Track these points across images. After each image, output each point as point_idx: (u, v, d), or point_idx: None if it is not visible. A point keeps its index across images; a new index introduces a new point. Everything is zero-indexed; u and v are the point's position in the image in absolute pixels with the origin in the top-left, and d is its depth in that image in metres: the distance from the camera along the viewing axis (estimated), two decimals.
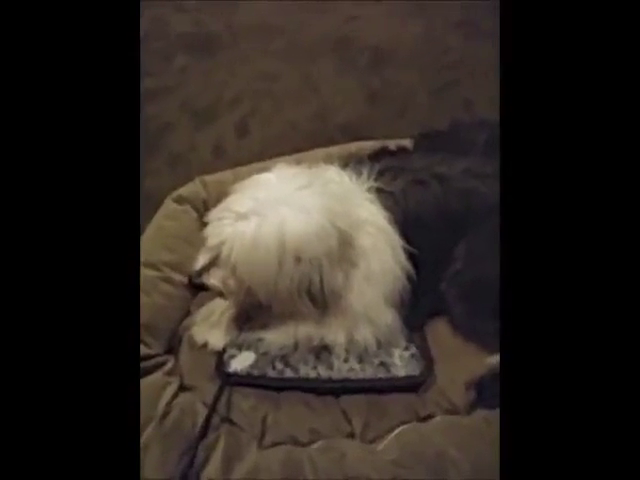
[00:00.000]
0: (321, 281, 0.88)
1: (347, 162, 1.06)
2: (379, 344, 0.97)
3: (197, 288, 0.99)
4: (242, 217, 0.85)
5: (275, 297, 0.90)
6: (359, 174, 0.99)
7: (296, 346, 0.98)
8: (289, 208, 0.85)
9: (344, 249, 0.90)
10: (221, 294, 0.95)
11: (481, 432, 0.89)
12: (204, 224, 1.20)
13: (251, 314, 1.01)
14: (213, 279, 0.92)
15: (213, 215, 0.91)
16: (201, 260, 0.92)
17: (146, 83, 1.70)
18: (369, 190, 0.97)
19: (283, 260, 0.85)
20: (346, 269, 0.91)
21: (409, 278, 0.95)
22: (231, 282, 0.91)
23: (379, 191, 0.97)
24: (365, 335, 0.96)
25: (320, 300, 0.90)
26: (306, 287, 0.88)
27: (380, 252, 0.93)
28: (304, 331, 0.97)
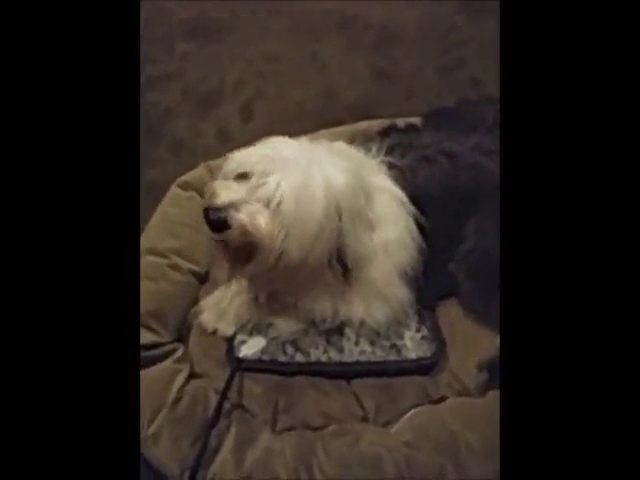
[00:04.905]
0: (355, 241, 0.85)
1: (354, 139, 1.05)
2: (391, 323, 0.96)
3: (214, 227, 0.81)
4: (287, 161, 0.80)
5: (308, 258, 0.82)
6: (368, 150, 0.98)
7: (307, 330, 0.97)
8: (327, 164, 0.83)
9: (367, 211, 0.88)
10: (238, 249, 0.83)
11: (493, 413, 0.88)
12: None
13: (261, 298, 1.00)
14: (243, 214, 0.80)
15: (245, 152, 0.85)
16: (229, 193, 0.81)
17: (148, 70, 1.69)
18: (380, 164, 0.96)
19: (328, 212, 0.81)
20: (370, 233, 0.89)
21: (420, 251, 0.93)
22: (265, 222, 0.80)
23: (390, 166, 0.95)
24: (382, 311, 0.95)
25: (349, 265, 0.87)
26: (340, 248, 0.85)
27: (395, 220, 0.92)
28: (320, 309, 0.95)
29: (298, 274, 0.86)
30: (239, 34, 1.80)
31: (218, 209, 0.80)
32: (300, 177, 0.79)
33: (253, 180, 0.81)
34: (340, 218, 0.83)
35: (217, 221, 0.80)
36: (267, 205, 0.80)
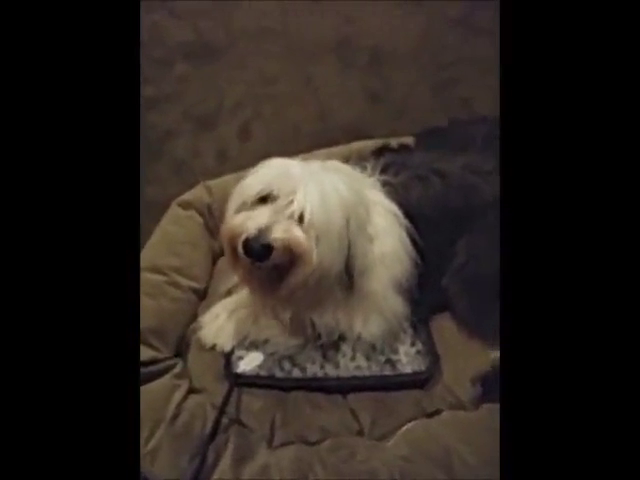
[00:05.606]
0: (360, 252, 0.88)
1: (348, 158, 1.08)
2: (386, 336, 0.98)
3: (259, 254, 0.81)
4: (302, 178, 0.83)
5: (332, 267, 0.85)
6: (363, 169, 1.00)
7: (304, 345, 0.99)
8: (331, 177, 0.85)
9: (366, 222, 0.91)
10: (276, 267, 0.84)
11: (487, 426, 0.89)
12: (209, 229, 1.23)
13: (259, 314, 1.01)
14: (280, 234, 0.81)
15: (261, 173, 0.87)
16: (256, 220, 0.82)
17: (147, 91, 1.71)
18: (374, 182, 0.98)
19: (343, 222, 0.84)
20: (370, 245, 0.92)
21: (414, 264, 0.95)
22: (301, 235, 0.82)
23: (384, 183, 0.98)
24: (378, 323, 0.96)
25: (355, 276, 0.89)
26: (348, 259, 0.86)
27: (390, 233, 0.94)
28: (326, 322, 0.96)
29: (322, 287, 0.87)
30: (236, 56, 1.83)
31: (257, 237, 0.80)
32: (319, 190, 0.82)
33: (279, 201, 0.83)
34: (348, 229, 0.86)
35: (262, 248, 0.80)
36: (299, 220, 0.82)
